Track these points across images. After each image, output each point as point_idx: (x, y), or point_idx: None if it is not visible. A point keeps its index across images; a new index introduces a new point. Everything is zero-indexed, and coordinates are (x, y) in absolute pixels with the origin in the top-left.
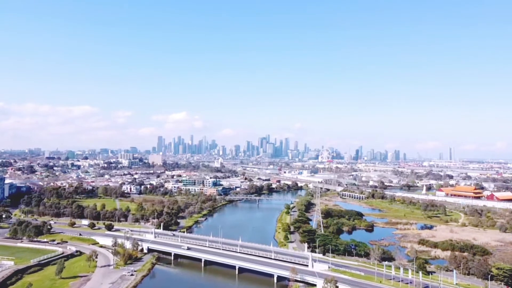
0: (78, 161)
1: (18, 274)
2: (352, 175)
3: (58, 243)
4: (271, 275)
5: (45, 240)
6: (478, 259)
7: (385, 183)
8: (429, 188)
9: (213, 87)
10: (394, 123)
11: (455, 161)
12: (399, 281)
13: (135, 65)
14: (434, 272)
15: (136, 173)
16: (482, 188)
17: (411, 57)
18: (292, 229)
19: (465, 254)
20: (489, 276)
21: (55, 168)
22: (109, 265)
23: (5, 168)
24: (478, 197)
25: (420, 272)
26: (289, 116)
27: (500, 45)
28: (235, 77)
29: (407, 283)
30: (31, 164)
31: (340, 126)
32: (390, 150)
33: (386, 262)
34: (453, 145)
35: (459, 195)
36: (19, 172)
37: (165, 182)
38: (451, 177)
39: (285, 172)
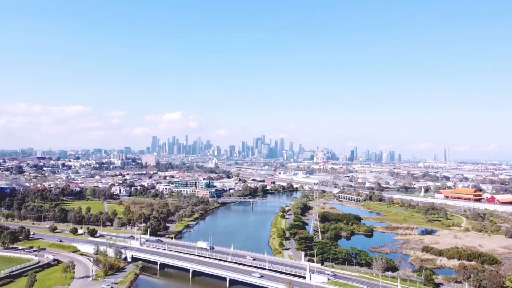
0: (70, 161)
1: None
2: (348, 176)
3: (35, 251)
4: None
5: (22, 247)
6: (490, 270)
7: (382, 185)
8: (426, 190)
9: (208, 87)
10: (388, 124)
11: (450, 162)
12: None
13: (128, 65)
14: (443, 285)
15: (128, 174)
16: (481, 190)
17: (406, 59)
18: (287, 234)
19: (473, 263)
20: None
21: (45, 168)
22: (88, 277)
23: None
24: (479, 200)
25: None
26: (284, 116)
27: (494, 46)
28: (230, 77)
29: None
30: (20, 164)
31: (335, 127)
32: (385, 151)
33: (390, 273)
34: (447, 146)
35: (459, 198)
36: (6, 173)
37: (157, 183)
38: (447, 178)
39: (280, 173)
